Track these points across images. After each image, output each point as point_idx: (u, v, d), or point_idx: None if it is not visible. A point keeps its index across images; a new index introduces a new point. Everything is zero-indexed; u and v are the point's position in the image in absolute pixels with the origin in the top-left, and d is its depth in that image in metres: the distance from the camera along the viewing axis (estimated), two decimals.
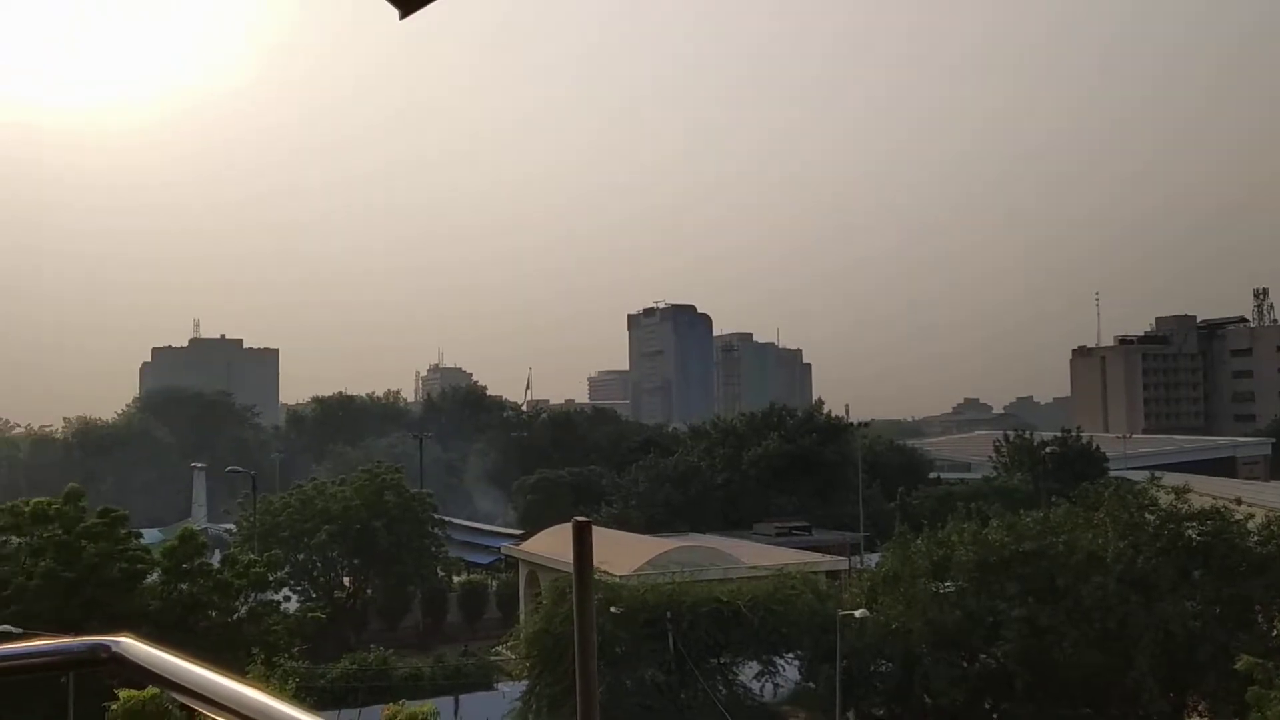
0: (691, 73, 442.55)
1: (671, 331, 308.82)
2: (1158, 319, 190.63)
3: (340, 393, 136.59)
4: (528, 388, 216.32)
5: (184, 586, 33.01)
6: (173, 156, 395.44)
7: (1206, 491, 38.27)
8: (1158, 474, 35.56)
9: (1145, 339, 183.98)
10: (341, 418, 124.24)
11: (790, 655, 32.80)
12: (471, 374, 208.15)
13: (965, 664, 30.32)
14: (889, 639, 30.38)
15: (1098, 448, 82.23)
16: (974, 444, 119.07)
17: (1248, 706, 19.73)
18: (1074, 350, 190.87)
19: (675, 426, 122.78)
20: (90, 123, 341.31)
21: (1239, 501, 33.47)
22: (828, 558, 47.94)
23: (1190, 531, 30.40)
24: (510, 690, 35.90)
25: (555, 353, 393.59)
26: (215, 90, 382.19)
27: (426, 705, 18.72)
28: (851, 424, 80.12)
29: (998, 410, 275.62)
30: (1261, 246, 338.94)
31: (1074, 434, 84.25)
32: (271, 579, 36.48)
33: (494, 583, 61.22)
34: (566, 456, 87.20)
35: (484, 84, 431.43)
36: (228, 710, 1.87)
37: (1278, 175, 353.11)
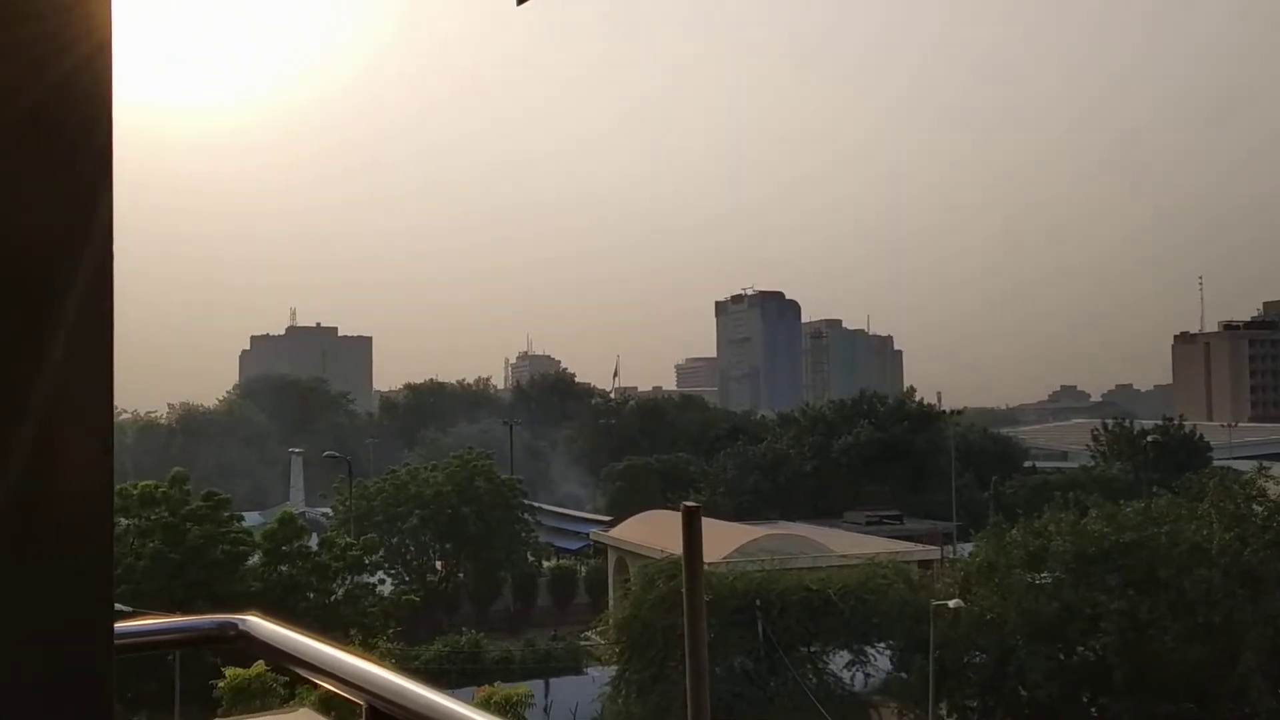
0: (789, 65, 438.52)
1: (759, 318, 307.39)
2: (1265, 304, 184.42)
3: (432, 380, 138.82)
4: (615, 375, 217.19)
5: (284, 568, 33.98)
6: (277, 154, 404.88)
7: None
8: (1266, 464, 34.38)
9: (1252, 324, 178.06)
10: (433, 404, 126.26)
11: (881, 645, 32.49)
12: (560, 361, 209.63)
13: (1062, 656, 29.73)
14: (983, 630, 29.91)
15: (1201, 436, 79.83)
16: (1071, 432, 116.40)
17: None
18: (1176, 336, 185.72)
19: (763, 414, 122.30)
20: (201, 121, 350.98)
21: None
22: (919, 547, 47.34)
23: None
24: (599, 675, 36.19)
25: (643, 340, 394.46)
26: (321, 89, 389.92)
27: (521, 688, 19.01)
28: (943, 412, 79.03)
29: (1095, 398, 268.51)
30: None
31: (1176, 422, 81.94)
32: (367, 562, 37.34)
33: (583, 568, 61.74)
34: (654, 443, 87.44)
35: (580, 87, 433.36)
36: (355, 686, 1.94)
37: None
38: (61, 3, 1.15)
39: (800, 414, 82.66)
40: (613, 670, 33.95)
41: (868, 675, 32.43)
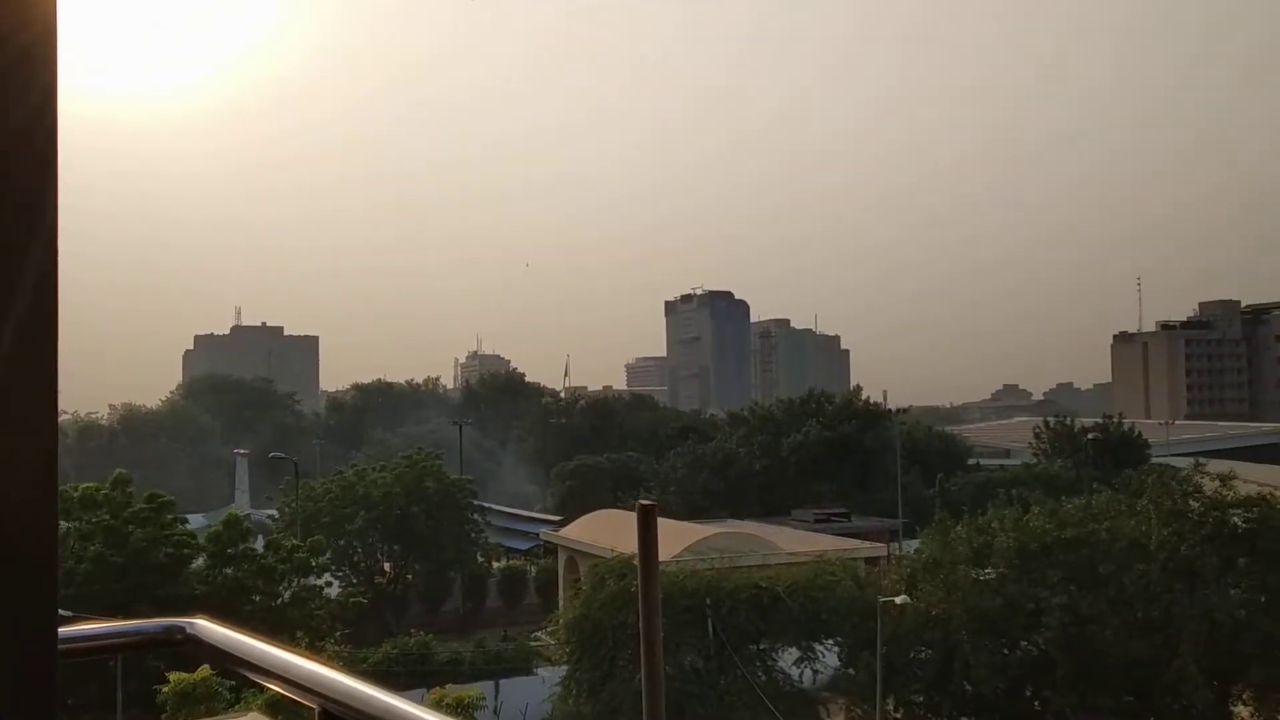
0: (742, 67, 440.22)
1: (709, 318, 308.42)
2: (1201, 304, 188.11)
3: (380, 379, 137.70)
4: (566, 374, 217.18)
5: (229, 571, 33.47)
6: (218, 147, 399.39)
7: (1252, 478, 37.76)
8: (1202, 461, 35.04)
9: (1188, 324, 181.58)
10: (381, 404, 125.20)
11: (830, 642, 32.75)
12: (510, 361, 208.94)
13: (1006, 651, 30.13)
14: (929, 626, 30.25)
15: (1140, 434, 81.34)
16: (1013, 430, 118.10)
17: None
18: (1115, 336, 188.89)
19: (713, 413, 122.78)
20: (138, 111, 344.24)
21: None
22: (867, 544, 47.82)
23: (1235, 519, 29.98)
24: (550, 675, 36.11)
25: (593, 340, 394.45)
26: (261, 80, 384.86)
27: (473, 689, 18.90)
28: (890, 411, 79.81)
29: (1037, 397, 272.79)
30: None
31: (1116, 420, 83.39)
32: (314, 564, 36.89)
33: (533, 568, 61.56)
34: (605, 443, 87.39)
35: (530, 80, 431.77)
36: (307, 689, 1.92)
37: None
38: None
39: (749, 413, 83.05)
40: (563, 670, 33.90)
41: (816, 672, 32.67)
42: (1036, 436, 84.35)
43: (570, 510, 62.93)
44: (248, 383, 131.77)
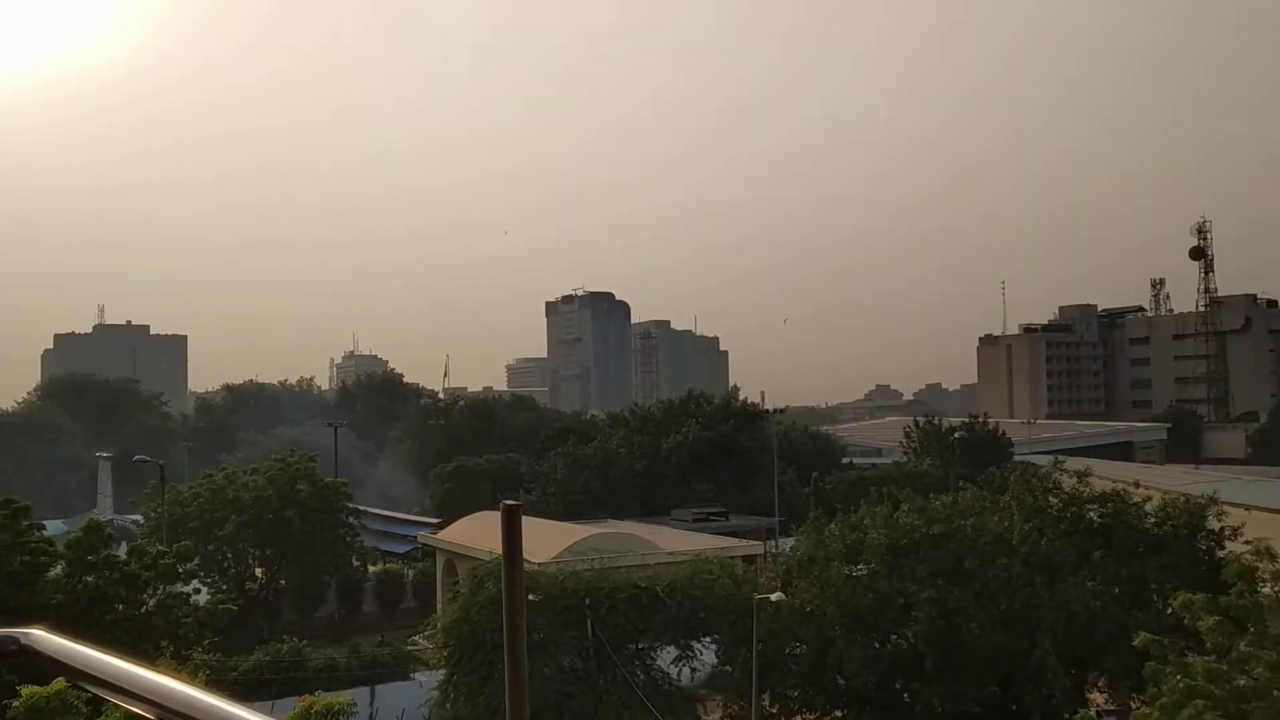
0: (615, 67, 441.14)
1: (590, 319, 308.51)
2: (1061, 308, 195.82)
3: (251, 380, 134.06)
4: (445, 375, 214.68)
5: (89, 579, 32.07)
6: (72, 136, 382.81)
7: (1106, 475, 39.45)
8: (1061, 458, 36.39)
9: (1049, 327, 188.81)
10: (253, 406, 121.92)
11: (708, 639, 33.08)
12: (387, 361, 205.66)
13: (878, 645, 30.85)
14: (803, 622, 30.80)
15: (1003, 433, 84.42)
16: (885, 430, 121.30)
17: (1145, 682, 20.43)
18: (981, 338, 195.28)
19: (594, 414, 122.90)
20: None
21: (1137, 484, 34.50)
22: (744, 543, 48.50)
23: (1091, 514, 31.33)
24: (427, 680, 35.63)
25: (473, 340, 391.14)
26: (132, 67, 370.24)
27: (343, 696, 18.48)
28: (767, 411, 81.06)
29: (908, 397, 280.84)
30: (1162, 240, 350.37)
31: (981, 420, 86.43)
32: (181, 570, 35.59)
33: (410, 572, 60.69)
34: (484, 444, 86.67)
35: (416, 80, 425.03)
36: (145, 701, 1.87)
37: (1182, 178, 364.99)
38: None
39: (630, 414, 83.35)
40: (441, 674, 33.50)
41: (694, 670, 32.95)
42: (907, 436, 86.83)
43: (449, 512, 62.21)
44: (111, 383, 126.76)
